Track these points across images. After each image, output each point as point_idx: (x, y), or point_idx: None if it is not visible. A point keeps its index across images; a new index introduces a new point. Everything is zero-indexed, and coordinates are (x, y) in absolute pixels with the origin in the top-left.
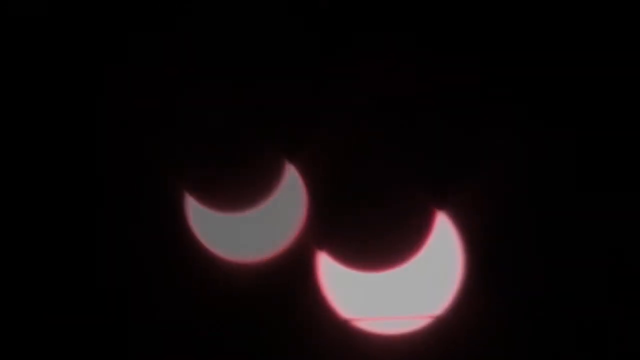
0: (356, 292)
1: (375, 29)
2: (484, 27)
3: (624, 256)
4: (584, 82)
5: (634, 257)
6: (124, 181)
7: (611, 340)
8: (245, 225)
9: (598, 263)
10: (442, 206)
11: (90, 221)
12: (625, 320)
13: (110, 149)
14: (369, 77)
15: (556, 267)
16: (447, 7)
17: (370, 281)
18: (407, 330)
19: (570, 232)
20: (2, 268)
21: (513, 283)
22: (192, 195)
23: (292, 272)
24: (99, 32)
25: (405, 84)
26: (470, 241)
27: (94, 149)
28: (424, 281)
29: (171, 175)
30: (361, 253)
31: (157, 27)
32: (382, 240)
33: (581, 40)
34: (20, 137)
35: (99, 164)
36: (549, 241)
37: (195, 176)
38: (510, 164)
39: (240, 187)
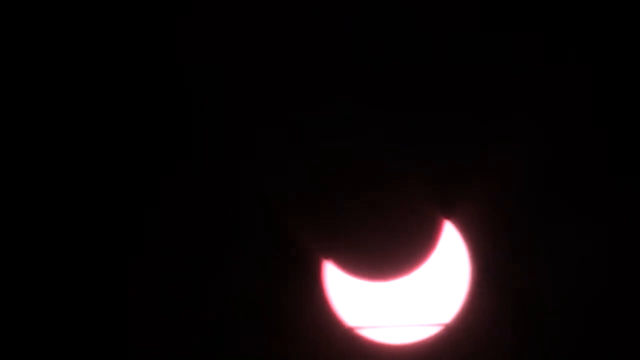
0: (362, 300)
1: None
2: (489, 32)
3: (630, 261)
4: (589, 85)
5: None
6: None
7: (619, 344)
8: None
9: (605, 268)
10: (449, 215)
11: (224, 282)
12: (633, 325)
13: (245, 208)
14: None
15: (564, 273)
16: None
17: (377, 290)
18: (413, 339)
19: (577, 238)
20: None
21: (520, 290)
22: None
23: (298, 281)
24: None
25: (410, 91)
26: (477, 249)
27: (232, 212)
28: (430, 290)
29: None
30: (367, 263)
31: None
32: (388, 250)
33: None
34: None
35: (236, 225)
36: (556, 247)
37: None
38: (516, 172)
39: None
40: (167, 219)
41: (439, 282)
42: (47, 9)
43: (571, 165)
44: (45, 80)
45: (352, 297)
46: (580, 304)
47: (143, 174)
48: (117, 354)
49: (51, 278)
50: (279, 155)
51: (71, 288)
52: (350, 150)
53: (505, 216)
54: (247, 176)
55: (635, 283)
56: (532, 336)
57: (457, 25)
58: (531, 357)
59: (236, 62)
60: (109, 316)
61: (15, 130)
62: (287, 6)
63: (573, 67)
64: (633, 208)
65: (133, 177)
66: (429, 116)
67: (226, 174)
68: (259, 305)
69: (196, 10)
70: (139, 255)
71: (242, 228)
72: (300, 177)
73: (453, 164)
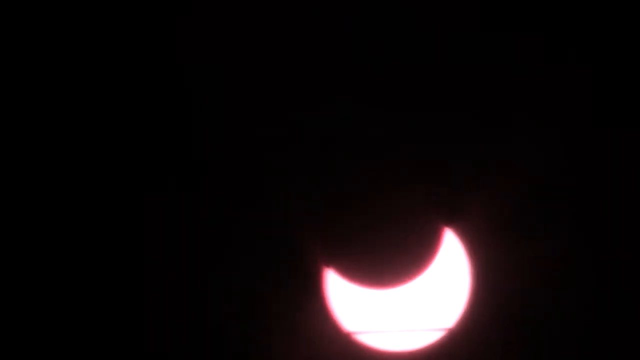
0: (362, 306)
1: None
2: (489, 32)
3: (632, 267)
4: (589, 85)
5: None
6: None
7: (620, 346)
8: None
9: (605, 274)
10: (450, 222)
11: (224, 287)
12: (636, 332)
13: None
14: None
15: (564, 279)
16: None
17: (377, 295)
18: (413, 345)
19: (578, 244)
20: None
21: (520, 294)
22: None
23: (299, 287)
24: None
25: (410, 91)
26: (477, 255)
27: (238, 217)
28: (430, 297)
29: (313, 247)
30: (369, 271)
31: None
32: (389, 257)
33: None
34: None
35: (237, 230)
36: (556, 254)
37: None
38: (516, 179)
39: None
40: (167, 221)
41: (440, 288)
42: (47, 9)
43: (571, 166)
44: (45, 80)
45: (353, 303)
46: (582, 311)
47: (143, 174)
48: (117, 354)
49: (56, 279)
50: (280, 158)
51: (71, 289)
52: (351, 156)
53: (505, 221)
54: (248, 178)
55: (634, 291)
56: (533, 341)
57: (457, 25)
58: None
59: (236, 62)
60: (110, 317)
61: (14, 129)
62: (287, 6)
63: (573, 67)
64: (635, 210)
65: (133, 177)
66: (429, 116)
67: (227, 175)
68: (260, 311)
69: (196, 10)
70: (139, 257)
71: (242, 233)
72: (302, 184)
73: (452, 167)
